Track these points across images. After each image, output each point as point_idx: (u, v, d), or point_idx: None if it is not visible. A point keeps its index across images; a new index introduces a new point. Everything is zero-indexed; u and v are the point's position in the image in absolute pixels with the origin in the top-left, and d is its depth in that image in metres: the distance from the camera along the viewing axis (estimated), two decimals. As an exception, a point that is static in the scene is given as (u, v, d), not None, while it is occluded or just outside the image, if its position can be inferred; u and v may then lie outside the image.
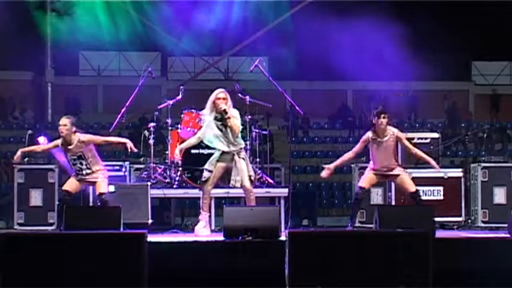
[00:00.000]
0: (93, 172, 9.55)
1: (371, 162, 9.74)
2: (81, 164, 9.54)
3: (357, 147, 9.76)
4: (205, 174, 9.47)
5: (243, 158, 9.47)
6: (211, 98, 9.47)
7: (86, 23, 20.40)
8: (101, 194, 9.52)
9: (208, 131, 9.48)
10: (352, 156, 9.87)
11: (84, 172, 9.56)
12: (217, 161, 9.45)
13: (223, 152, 9.42)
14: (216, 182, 9.57)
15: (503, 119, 24.97)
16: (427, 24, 21.46)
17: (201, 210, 9.62)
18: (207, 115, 9.52)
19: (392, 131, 9.64)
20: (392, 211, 9.24)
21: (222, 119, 9.39)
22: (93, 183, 9.62)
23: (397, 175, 9.65)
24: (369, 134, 9.65)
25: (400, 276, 6.92)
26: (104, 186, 9.56)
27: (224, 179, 9.57)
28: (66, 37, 20.60)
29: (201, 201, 9.62)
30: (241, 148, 9.50)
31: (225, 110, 9.34)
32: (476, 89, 27.82)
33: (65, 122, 9.54)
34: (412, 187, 9.64)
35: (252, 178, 9.54)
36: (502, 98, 26.33)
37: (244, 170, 9.40)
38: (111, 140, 10.20)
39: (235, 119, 9.42)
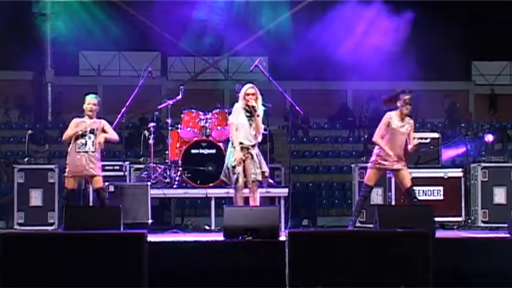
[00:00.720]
0: (92, 159, 9.49)
1: (376, 151, 9.64)
2: (89, 138, 9.50)
3: (381, 132, 9.65)
4: (236, 170, 9.37)
5: (257, 154, 9.51)
6: (241, 93, 9.52)
7: (84, 23, 20.36)
8: (99, 188, 9.51)
9: (239, 118, 9.50)
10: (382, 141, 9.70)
11: (86, 149, 9.48)
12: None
13: (240, 143, 9.40)
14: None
15: (502, 118, 24.94)
16: (427, 24, 21.44)
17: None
18: (239, 105, 9.54)
19: (410, 119, 9.69)
20: (392, 211, 9.25)
21: (250, 112, 9.46)
22: (91, 178, 9.57)
23: (400, 169, 9.63)
24: (391, 114, 9.62)
25: (400, 276, 6.91)
26: (101, 181, 9.57)
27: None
28: (66, 37, 20.56)
29: (235, 199, 9.51)
30: (256, 144, 9.54)
31: (254, 107, 9.41)
32: (476, 89, 27.78)
33: (94, 101, 9.65)
34: (409, 183, 9.65)
35: (266, 174, 9.60)
36: (501, 98, 26.29)
37: (263, 163, 9.48)
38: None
39: (260, 120, 9.47)
